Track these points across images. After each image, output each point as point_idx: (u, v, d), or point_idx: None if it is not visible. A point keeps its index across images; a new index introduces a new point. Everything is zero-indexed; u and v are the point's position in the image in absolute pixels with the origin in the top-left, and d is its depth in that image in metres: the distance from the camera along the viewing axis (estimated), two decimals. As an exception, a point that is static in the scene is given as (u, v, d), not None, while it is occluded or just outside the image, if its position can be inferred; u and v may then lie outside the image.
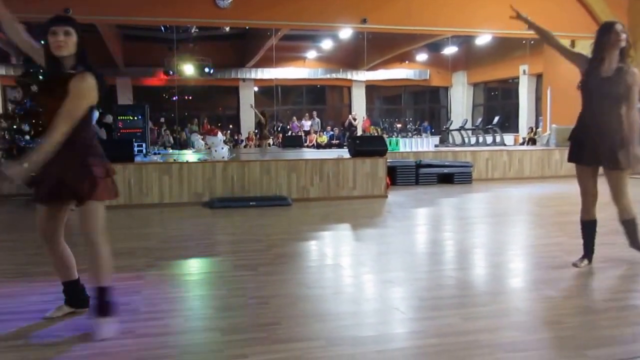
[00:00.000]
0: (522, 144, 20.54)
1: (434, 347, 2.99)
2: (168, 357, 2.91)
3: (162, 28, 20.26)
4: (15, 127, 9.51)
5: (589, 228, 4.60)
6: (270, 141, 21.51)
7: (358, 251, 5.67)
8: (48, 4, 11.35)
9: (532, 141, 19.84)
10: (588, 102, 4.45)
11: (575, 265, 4.54)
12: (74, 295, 3.62)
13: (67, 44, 3.27)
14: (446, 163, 12.24)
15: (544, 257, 5.03)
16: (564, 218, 7.35)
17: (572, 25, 14.64)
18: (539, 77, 21.12)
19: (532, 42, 19.30)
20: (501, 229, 6.93)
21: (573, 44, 16.19)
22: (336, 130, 24.35)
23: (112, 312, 3.31)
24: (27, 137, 9.39)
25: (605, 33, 4.33)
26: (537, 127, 20.83)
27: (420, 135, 22.67)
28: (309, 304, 3.79)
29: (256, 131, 21.95)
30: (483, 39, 20.86)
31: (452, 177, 11.87)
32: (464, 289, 4.15)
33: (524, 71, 22.57)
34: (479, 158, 12.92)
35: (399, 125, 25.77)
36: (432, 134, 23.81)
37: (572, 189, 6.41)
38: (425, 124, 25.25)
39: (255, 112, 21.13)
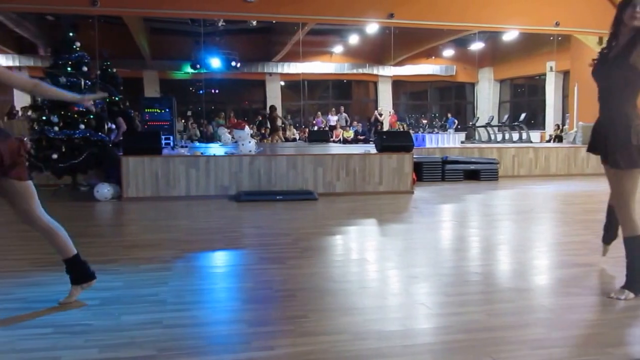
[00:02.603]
0: (549, 141, 20.32)
1: (460, 342, 2.99)
2: (195, 347, 2.94)
3: (189, 21, 20.39)
4: (44, 118, 9.62)
5: None
6: (282, 135, 21.49)
7: (384, 246, 5.66)
8: (76, -4, 11.50)
9: (559, 138, 19.63)
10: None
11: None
12: None
13: None
14: (472, 159, 12.18)
15: (570, 255, 4.99)
16: (589, 216, 7.28)
17: (599, 21, 14.39)
18: (566, 73, 20.87)
19: (559, 38, 19.06)
20: (527, 226, 6.86)
21: (601, 41, 15.96)
22: (360, 126, 24.28)
23: None
24: (56, 128, 9.51)
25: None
26: (563, 125, 20.60)
27: (446, 130, 22.51)
28: (335, 297, 3.80)
29: (268, 126, 21.97)
30: (510, 35, 20.69)
31: (478, 173, 11.80)
32: (490, 285, 4.13)
33: (551, 68, 22.35)
34: (505, 155, 12.83)
35: (424, 121, 25.65)
36: (458, 129, 23.63)
37: (599, 187, 6.36)
38: (449, 115, 25.01)
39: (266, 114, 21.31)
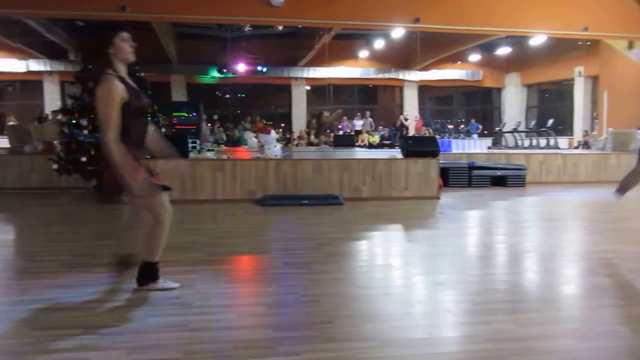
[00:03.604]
0: (577, 147, 20.06)
1: (487, 352, 2.95)
2: (220, 351, 2.95)
3: (216, 26, 20.54)
4: (74, 121, 9.76)
5: None
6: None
7: (409, 252, 5.63)
8: (105, 1, 11.65)
9: (586, 145, 19.38)
10: None
11: None
12: None
13: None
14: (499, 165, 12.06)
15: (600, 264, 4.91)
16: (620, 224, 7.17)
17: (629, 26, 14.22)
18: (595, 79, 20.60)
19: (588, 43, 18.81)
20: (555, 234, 6.77)
21: (631, 45, 15.74)
22: (387, 130, 24.20)
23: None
24: (85, 131, 9.63)
25: None
26: (592, 131, 20.32)
27: (470, 135, 22.33)
28: (360, 303, 3.78)
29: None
30: (537, 40, 20.48)
31: (505, 179, 11.69)
32: (518, 294, 4.08)
33: (579, 73, 22.06)
34: (532, 161, 12.68)
35: (450, 127, 25.47)
36: (484, 134, 23.41)
37: (629, 195, 6.26)
38: (473, 121, 24.76)
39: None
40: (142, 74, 14.30)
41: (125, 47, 3.67)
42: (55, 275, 4.41)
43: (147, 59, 18.23)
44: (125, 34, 3.66)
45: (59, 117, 11.02)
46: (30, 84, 23.89)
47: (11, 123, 19.05)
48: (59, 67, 22.87)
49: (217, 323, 3.38)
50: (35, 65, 22.81)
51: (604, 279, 4.41)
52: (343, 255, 5.42)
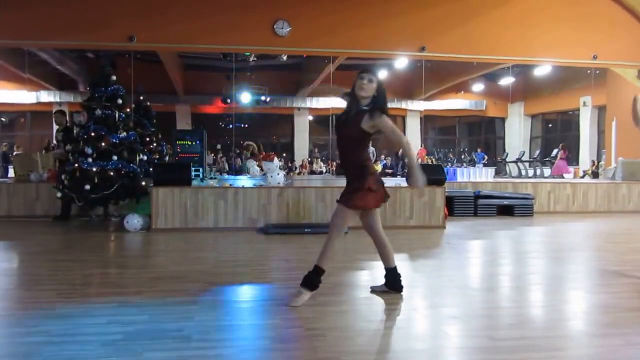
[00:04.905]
0: (583, 176, 19.91)
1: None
2: (221, 388, 2.79)
3: (221, 57, 20.66)
4: (79, 149, 9.70)
5: None
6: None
7: (416, 283, 5.45)
8: (114, 32, 11.70)
9: (594, 174, 19.23)
10: None
11: None
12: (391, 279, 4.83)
13: None
14: (506, 194, 11.90)
15: (621, 298, 4.70)
16: (637, 255, 6.97)
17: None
18: (602, 108, 20.53)
19: (597, 71, 18.77)
20: (569, 266, 6.56)
21: (640, 74, 15.63)
22: (390, 159, 24.19)
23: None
24: (90, 159, 9.56)
25: None
26: (599, 160, 20.20)
27: (474, 165, 22.25)
28: (367, 338, 3.61)
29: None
30: (541, 70, 20.48)
31: (512, 209, 11.53)
32: (534, 330, 3.85)
33: (584, 103, 22.02)
34: (540, 190, 12.54)
35: (451, 156, 25.43)
36: (486, 164, 23.32)
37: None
38: (479, 150, 24.69)
39: None
40: (148, 103, 14.41)
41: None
42: (51, 305, 4.26)
43: (154, 89, 18.35)
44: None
45: (67, 147, 10.97)
46: (41, 115, 24.12)
47: (17, 152, 19.08)
48: (68, 98, 23.20)
49: (217, 358, 3.22)
50: (46, 96, 23.10)
51: (626, 314, 4.21)
52: (348, 285, 5.26)
